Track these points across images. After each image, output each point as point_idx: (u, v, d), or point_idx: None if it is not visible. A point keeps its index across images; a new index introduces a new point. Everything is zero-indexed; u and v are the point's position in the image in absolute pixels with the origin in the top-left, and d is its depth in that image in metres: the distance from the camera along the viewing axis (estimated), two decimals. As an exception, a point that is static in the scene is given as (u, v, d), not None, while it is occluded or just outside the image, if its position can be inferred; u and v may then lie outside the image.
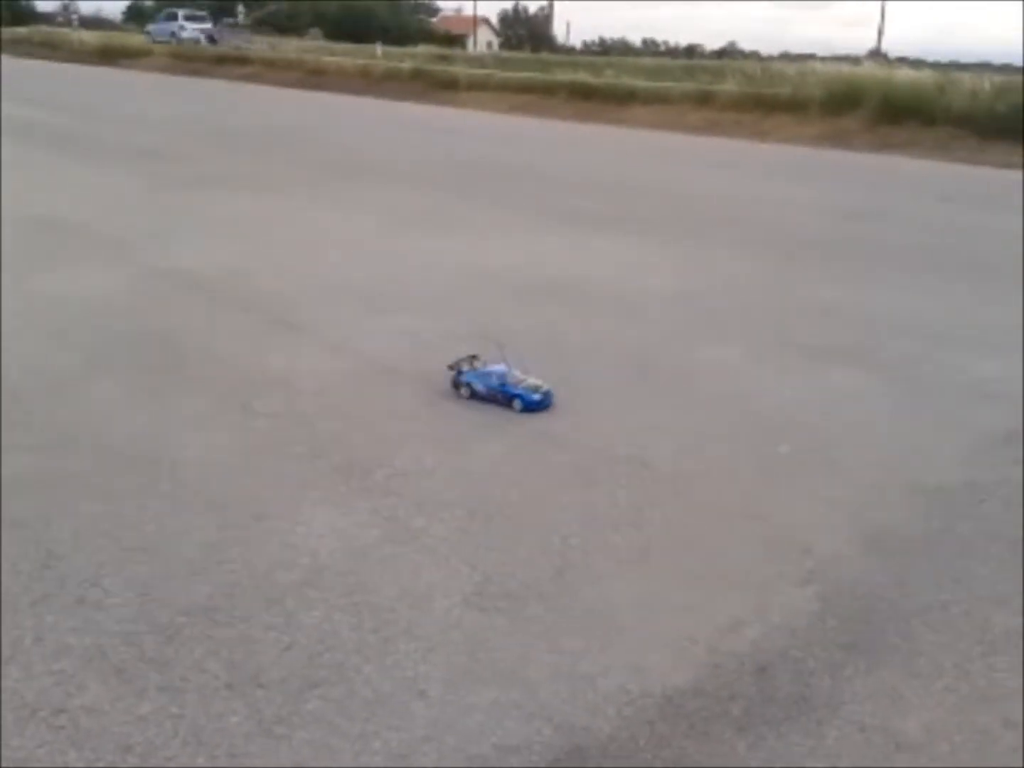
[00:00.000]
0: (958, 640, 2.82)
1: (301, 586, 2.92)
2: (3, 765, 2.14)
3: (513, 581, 3.00)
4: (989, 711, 2.50)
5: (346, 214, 9.63)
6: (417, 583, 2.96)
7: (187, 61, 37.33)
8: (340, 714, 2.36)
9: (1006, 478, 3.99)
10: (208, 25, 46.33)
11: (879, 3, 68.91)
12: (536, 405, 4.42)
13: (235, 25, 47.87)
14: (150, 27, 47.96)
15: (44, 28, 52.29)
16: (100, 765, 2.17)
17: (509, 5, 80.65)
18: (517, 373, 4.53)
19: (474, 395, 4.54)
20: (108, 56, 40.30)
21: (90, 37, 46.03)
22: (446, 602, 2.87)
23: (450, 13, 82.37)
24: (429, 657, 2.60)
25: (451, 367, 4.65)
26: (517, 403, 4.42)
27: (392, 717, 2.36)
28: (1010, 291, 7.48)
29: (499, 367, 4.55)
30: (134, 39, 45.48)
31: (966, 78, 20.31)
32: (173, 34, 44.04)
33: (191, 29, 44.47)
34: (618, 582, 3.04)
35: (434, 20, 79.27)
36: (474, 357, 4.68)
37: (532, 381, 4.50)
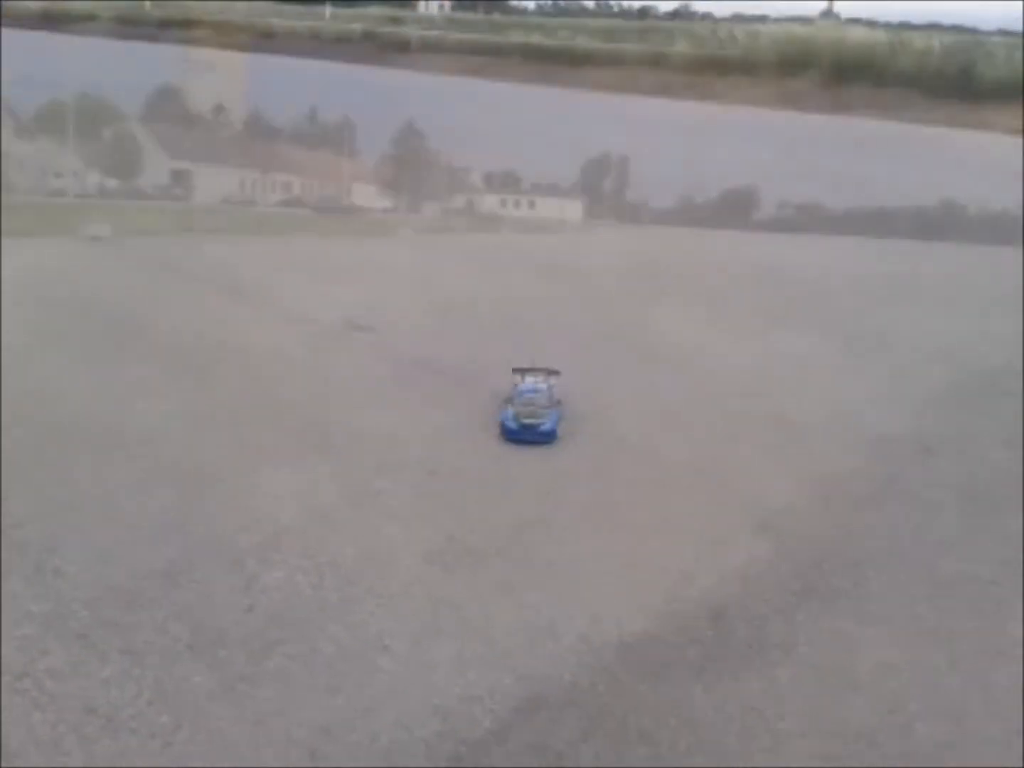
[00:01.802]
0: (906, 584, 2.91)
1: (262, 548, 2.92)
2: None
3: (474, 538, 3.03)
4: (937, 650, 2.59)
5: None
6: (378, 542, 2.98)
7: (132, 25, 36.42)
8: (303, 670, 2.38)
9: (951, 431, 4.09)
10: None
11: (831, -37, 68.98)
12: (512, 435, 3.84)
13: None
14: None
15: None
16: (64, 727, 2.17)
17: (461, -34, 79.23)
18: (541, 399, 4.01)
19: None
20: (51, 21, 39.29)
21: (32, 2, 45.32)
22: (408, 560, 2.89)
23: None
24: (392, 614, 2.63)
25: (515, 371, 4.26)
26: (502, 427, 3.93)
27: (356, 672, 2.38)
28: (956, 250, 7.62)
29: (532, 386, 4.13)
30: (77, 4, 44.74)
31: (916, 38, 20.38)
32: None
33: None
34: (578, 537, 3.08)
35: (384, -19, 78.07)
36: (553, 372, 4.24)
37: (540, 412, 3.91)
